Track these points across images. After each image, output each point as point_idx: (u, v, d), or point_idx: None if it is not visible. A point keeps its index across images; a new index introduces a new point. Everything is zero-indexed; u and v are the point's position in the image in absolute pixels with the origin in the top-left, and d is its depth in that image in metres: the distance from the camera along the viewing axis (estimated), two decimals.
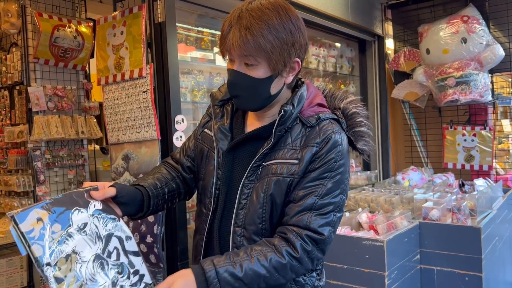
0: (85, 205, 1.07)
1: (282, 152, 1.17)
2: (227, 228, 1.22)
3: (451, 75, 3.70)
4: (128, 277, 1.08)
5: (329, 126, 1.17)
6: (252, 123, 1.27)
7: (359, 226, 2.72)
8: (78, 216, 1.04)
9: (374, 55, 4.46)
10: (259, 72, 1.12)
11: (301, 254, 1.10)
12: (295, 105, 1.18)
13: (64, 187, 3.26)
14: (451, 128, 4.10)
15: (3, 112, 3.32)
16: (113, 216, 1.11)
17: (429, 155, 4.43)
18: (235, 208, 1.19)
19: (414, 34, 4.30)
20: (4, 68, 3.28)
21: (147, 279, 1.11)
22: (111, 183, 1.18)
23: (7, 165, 3.22)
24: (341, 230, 2.57)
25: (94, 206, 1.09)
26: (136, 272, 1.10)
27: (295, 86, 1.26)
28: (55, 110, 3.18)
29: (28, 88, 3.06)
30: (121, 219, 1.13)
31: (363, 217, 2.73)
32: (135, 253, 1.12)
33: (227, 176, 1.24)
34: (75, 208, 1.04)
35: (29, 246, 0.95)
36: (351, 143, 1.25)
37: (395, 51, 4.55)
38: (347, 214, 2.77)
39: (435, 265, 2.65)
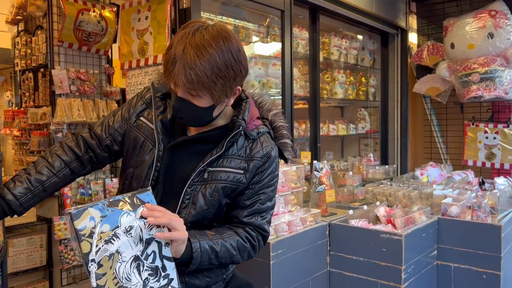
0: (134, 208, 1.13)
1: (229, 161, 1.30)
2: None
3: (476, 70, 3.63)
4: (158, 280, 1.15)
5: (268, 141, 1.35)
6: None
7: (376, 220, 2.71)
8: (127, 219, 1.11)
9: (397, 48, 4.40)
10: (202, 102, 1.20)
11: (256, 243, 1.32)
12: (246, 120, 1.31)
13: None
14: (472, 125, 4.03)
15: (27, 94, 3.37)
16: None
17: (449, 152, 4.37)
18: (178, 207, 1.29)
19: (438, 28, 4.22)
20: (29, 51, 3.32)
21: (175, 283, 1.18)
22: None
23: (29, 146, 3.28)
24: (359, 223, 2.56)
25: (142, 210, 1.15)
26: (166, 276, 1.16)
27: (239, 98, 1.35)
28: (77, 93, 3.21)
29: (52, 71, 3.09)
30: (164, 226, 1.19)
31: (381, 210, 2.71)
32: (169, 259, 1.18)
33: (166, 170, 1.32)
34: (125, 211, 1.11)
35: (79, 242, 1.02)
36: (279, 152, 1.40)
37: (418, 45, 4.48)
38: (364, 207, 2.76)
39: (453, 261, 2.63)
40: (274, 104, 1.49)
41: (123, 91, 3.53)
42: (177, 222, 1.17)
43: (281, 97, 3.14)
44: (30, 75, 3.32)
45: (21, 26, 3.50)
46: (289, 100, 3.08)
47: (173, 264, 1.18)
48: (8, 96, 4.58)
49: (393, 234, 2.32)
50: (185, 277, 1.29)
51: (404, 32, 4.38)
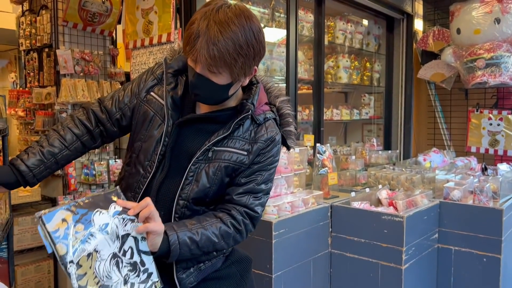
0: (106, 207, 1.14)
1: (234, 141, 1.32)
2: (167, 195, 1.33)
3: (481, 56, 3.61)
4: (138, 275, 1.16)
5: (273, 126, 1.37)
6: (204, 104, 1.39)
7: (378, 203, 2.72)
8: (100, 217, 1.11)
9: (402, 33, 4.37)
10: (221, 79, 1.22)
11: (242, 227, 1.32)
12: (255, 104, 1.33)
13: None
14: (477, 111, 4.02)
15: (31, 74, 3.38)
16: (132, 217, 1.18)
17: (452, 138, 4.36)
18: (181, 183, 1.31)
19: (444, 14, 4.19)
20: (33, 31, 3.32)
21: (154, 276, 1.19)
22: None
23: (34, 126, 3.30)
24: (360, 205, 2.57)
25: (114, 208, 1.16)
26: (145, 270, 1.18)
27: (250, 81, 1.37)
28: (82, 74, 3.21)
29: (57, 50, 3.09)
30: (139, 220, 1.19)
31: (383, 193, 2.73)
32: (147, 253, 1.19)
33: (173, 145, 1.34)
34: (97, 209, 1.12)
35: (54, 245, 1.03)
36: (282, 139, 1.42)
37: (424, 31, 4.45)
38: (367, 190, 2.77)
39: (453, 245, 2.65)
40: (281, 91, 1.51)
41: (127, 74, 3.53)
42: (154, 213, 1.18)
43: (285, 80, 3.14)
44: (35, 55, 3.32)
45: (26, 5, 3.49)
46: (294, 83, 3.08)
47: (151, 258, 1.19)
48: (12, 78, 4.59)
49: (395, 216, 2.34)
50: None
51: (410, 17, 4.35)
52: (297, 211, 2.36)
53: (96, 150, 3.38)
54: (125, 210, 1.17)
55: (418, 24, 4.51)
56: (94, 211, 1.11)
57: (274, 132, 1.35)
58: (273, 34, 3.50)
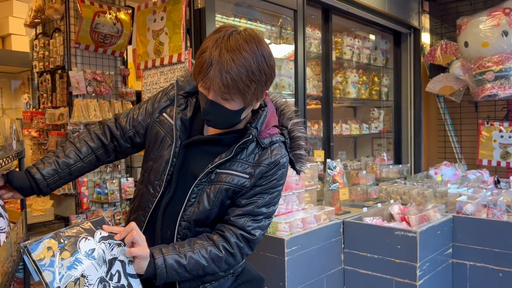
0: (92, 234, 1.17)
1: (236, 164, 1.32)
2: (172, 214, 1.35)
3: (490, 69, 3.61)
4: None
5: (279, 150, 1.35)
6: None
7: (390, 218, 2.71)
8: (86, 243, 1.14)
9: (410, 47, 4.39)
10: (234, 105, 1.22)
11: (235, 250, 1.30)
12: (259, 128, 1.34)
13: (100, 169, 3.36)
14: (487, 123, 4.00)
15: (45, 95, 3.44)
16: (119, 242, 1.21)
17: (463, 151, 4.34)
18: (184, 205, 1.32)
19: (451, 27, 4.21)
20: (47, 53, 3.39)
21: None
22: (5, 172, 1.32)
23: (47, 146, 3.35)
24: (373, 221, 2.56)
25: (100, 234, 1.19)
26: None
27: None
28: (93, 94, 3.27)
29: (69, 72, 3.16)
30: (125, 244, 1.22)
31: (395, 208, 2.71)
32: (134, 276, 1.21)
33: (180, 165, 1.36)
34: (82, 236, 1.15)
35: (40, 273, 1.04)
36: (291, 163, 1.41)
37: (431, 45, 4.47)
38: (379, 205, 2.76)
39: (468, 259, 2.61)
40: (295, 113, 1.49)
41: (138, 93, 3.59)
42: (138, 238, 1.20)
43: (294, 96, 3.16)
44: (48, 76, 3.39)
45: (39, 29, 3.58)
46: (302, 99, 3.10)
47: (138, 280, 1.21)
48: (25, 99, 4.67)
49: (408, 231, 2.32)
50: None
51: (417, 32, 4.37)
52: (309, 228, 2.36)
53: (108, 169, 3.42)
54: (111, 235, 1.20)
55: (425, 38, 4.53)
56: (80, 238, 1.13)
57: (279, 156, 1.34)
58: (281, 51, 3.54)
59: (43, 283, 1.05)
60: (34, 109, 3.95)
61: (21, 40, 4.64)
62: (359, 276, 2.51)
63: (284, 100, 1.53)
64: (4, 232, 1.30)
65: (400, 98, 4.51)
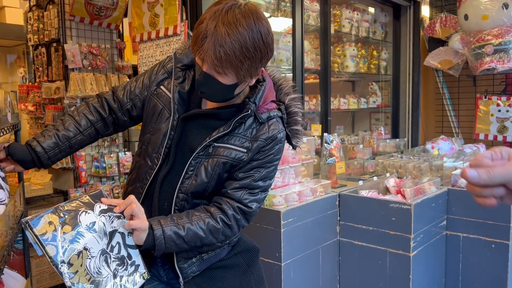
0: (91, 207, 1.19)
1: (234, 138, 1.33)
2: (170, 187, 1.36)
3: (489, 42, 3.57)
4: (126, 268, 1.21)
5: (276, 125, 1.36)
6: None
7: (386, 191, 2.73)
8: (86, 217, 1.16)
9: (409, 21, 4.33)
10: (227, 80, 1.22)
11: (232, 222, 1.33)
12: (257, 103, 1.34)
13: (97, 143, 3.37)
14: (485, 98, 3.99)
15: (40, 68, 3.42)
16: (118, 214, 1.23)
17: (460, 125, 4.34)
18: (181, 177, 1.34)
19: (451, 0, 4.14)
20: (41, 26, 3.35)
21: (141, 268, 1.25)
22: (6, 144, 1.34)
23: (44, 120, 3.35)
24: (368, 193, 2.59)
25: (100, 207, 1.20)
26: (133, 263, 1.23)
27: (257, 79, 1.36)
28: (90, 68, 3.25)
29: (65, 45, 3.13)
30: (125, 216, 1.24)
31: (391, 181, 2.74)
32: (133, 247, 1.24)
33: (178, 138, 1.37)
34: (82, 210, 1.16)
35: (43, 247, 1.07)
36: (287, 138, 1.42)
37: (431, 18, 4.41)
38: (374, 178, 2.78)
39: (462, 231, 2.66)
40: (293, 88, 1.50)
41: (134, 67, 3.56)
42: (138, 211, 1.22)
43: (291, 70, 3.14)
44: (43, 50, 3.36)
45: (33, 0, 3.52)
46: (300, 73, 3.08)
47: (137, 251, 1.25)
48: (21, 73, 4.64)
49: (403, 204, 2.35)
50: None
51: (416, 4, 4.31)
52: (305, 200, 2.38)
53: (106, 143, 3.42)
54: (110, 208, 1.22)
55: (425, 11, 4.46)
56: (80, 212, 1.15)
57: (276, 130, 1.35)
58: (279, 24, 3.50)
59: (47, 257, 1.07)
60: (30, 83, 3.92)
61: (15, 13, 4.57)
62: (354, 247, 2.55)
63: (282, 75, 1.52)
64: (3, 204, 1.32)
65: (399, 72, 4.48)
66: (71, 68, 3.16)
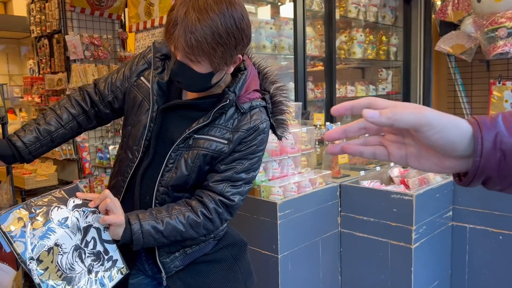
0: (64, 202, 1.16)
1: (215, 130, 1.29)
2: (150, 180, 1.34)
3: (503, 25, 3.42)
4: (103, 264, 1.19)
5: (259, 115, 1.32)
6: None
7: (390, 181, 2.66)
8: (58, 212, 1.13)
9: (420, 4, 4.19)
10: (201, 68, 1.18)
11: (213, 216, 1.30)
12: (237, 93, 1.29)
13: (101, 134, 3.38)
14: (499, 83, 3.84)
15: (43, 60, 3.43)
16: (93, 209, 1.20)
17: (473, 112, 4.20)
18: (161, 170, 1.31)
19: None
20: (43, 17, 3.35)
21: (120, 263, 1.23)
22: None
23: None
24: (370, 184, 2.52)
25: (74, 202, 1.18)
26: (110, 258, 1.21)
27: (238, 68, 1.33)
28: (91, 58, 3.24)
29: (66, 36, 3.12)
30: (100, 212, 1.22)
31: (395, 171, 2.66)
32: (110, 242, 1.22)
33: (158, 130, 1.34)
34: (54, 205, 1.13)
35: (11, 244, 1.05)
36: (272, 128, 1.38)
37: (443, 1, 4.25)
38: (378, 168, 2.71)
39: (468, 222, 2.57)
40: (277, 76, 1.46)
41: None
42: (113, 205, 1.20)
43: (293, 57, 3.07)
44: (46, 41, 3.37)
45: None
46: (302, 60, 3.01)
47: (114, 246, 1.22)
48: (30, 65, 4.67)
49: (404, 195, 2.28)
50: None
51: None
52: (304, 191, 2.33)
53: (110, 134, 3.43)
54: (85, 203, 1.20)
55: None
56: (52, 207, 1.13)
57: (258, 121, 1.31)
58: (282, 11, 3.42)
59: (15, 254, 1.05)
60: (36, 75, 3.95)
61: (22, 5, 4.59)
62: (355, 239, 2.50)
63: (263, 62, 1.47)
64: None
65: (410, 58, 4.35)
66: (73, 60, 3.16)
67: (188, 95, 1.36)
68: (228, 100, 1.27)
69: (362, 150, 0.56)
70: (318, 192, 2.40)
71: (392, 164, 2.76)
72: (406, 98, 4.39)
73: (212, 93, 1.32)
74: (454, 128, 0.53)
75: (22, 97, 4.45)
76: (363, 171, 2.63)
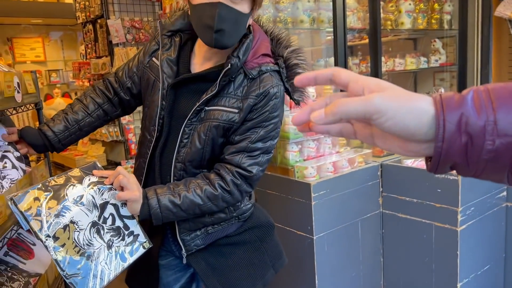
0: (80, 180, 1.18)
1: (224, 99, 1.27)
2: (168, 158, 1.34)
3: None
4: (123, 239, 1.20)
5: (269, 79, 1.27)
6: (198, 62, 1.35)
7: None
8: (73, 190, 1.16)
9: None
10: (244, 6, 1.20)
11: (231, 187, 1.28)
12: (241, 57, 1.25)
13: None
14: None
15: (89, 45, 3.54)
16: (109, 186, 1.21)
17: None
18: (176, 146, 1.31)
19: None
20: (87, 3, 3.44)
21: (141, 238, 1.24)
22: (20, 128, 1.40)
23: None
24: (414, 163, 2.39)
25: (89, 180, 1.19)
26: (131, 233, 1.22)
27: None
28: (133, 42, 3.30)
29: (108, 21, 3.19)
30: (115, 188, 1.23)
31: None
32: (129, 217, 1.23)
33: (170, 107, 1.34)
34: (70, 184, 1.16)
35: (28, 222, 1.08)
36: (288, 92, 1.34)
37: None
38: None
39: None
40: (292, 39, 1.40)
41: None
42: (127, 182, 1.20)
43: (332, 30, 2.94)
44: (90, 27, 3.47)
45: None
46: (342, 33, 2.87)
47: (134, 221, 1.23)
48: (82, 50, 4.86)
49: (449, 174, 2.13)
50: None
51: None
52: (341, 171, 2.25)
53: None
54: (102, 180, 1.21)
55: None
56: (68, 186, 1.15)
57: (268, 85, 1.27)
58: None
59: (32, 232, 1.10)
60: (82, 60, 4.10)
61: None
62: (398, 220, 2.39)
63: (283, 30, 1.43)
64: (14, 184, 1.38)
65: (466, 25, 4.02)
66: (115, 43, 3.24)
67: (196, 69, 1.34)
68: (230, 64, 1.24)
69: (329, 128, 0.52)
70: (357, 172, 2.31)
71: None
72: (462, 69, 4.09)
73: (218, 63, 1.32)
74: (408, 113, 0.46)
75: (74, 82, 4.66)
76: None
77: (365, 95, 0.48)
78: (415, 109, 0.46)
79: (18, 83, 1.45)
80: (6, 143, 1.41)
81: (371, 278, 2.47)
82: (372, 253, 2.45)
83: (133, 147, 3.38)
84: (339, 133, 0.53)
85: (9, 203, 1.10)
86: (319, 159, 2.30)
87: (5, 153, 1.39)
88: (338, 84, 0.51)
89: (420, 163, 2.39)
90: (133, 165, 1.37)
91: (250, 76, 1.28)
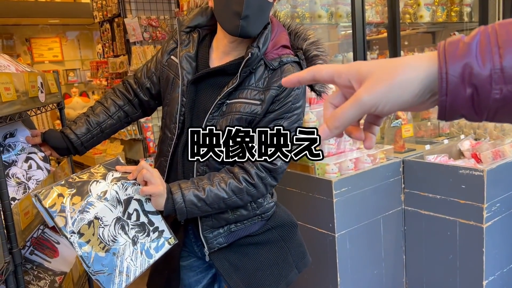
0: (103, 176, 1.17)
1: (246, 92, 1.26)
2: None
3: None
4: (148, 235, 1.18)
5: (290, 70, 1.26)
6: (217, 57, 1.34)
7: (459, 155, 2.46)
8: (97, 186, 1.15)
9: None
10: None
11: (256, 180, 1.26)
12: (261, 47, 1.24)
13: None
14: None
15: (107, 44, 3.56)
16: (133, 181, 1.20)
17: None
18: None
19: None
20: (104, 2, 3.46)
21: (167, 234, 1.22)
22: (44, 131, 1.40)
23: None
24: (437, 159, 2.35)
25: (113, 175, 1.18)
26: (156, 229, 1.20)
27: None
28: (150, 40, 3.30)
29: (125, 19, 3.20)
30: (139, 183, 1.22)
31: (466, 144, 2.45)
32: (154, 213, 1.21)
33: (191, 104, 1.32)
34: (93, 180, 1.15)
35: (52, 219, 1.07)
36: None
37: None
38: (445, 141, 2.51)
39: None
40: (310, 32, 1.39)
41: None
42: (150, 176, 1.18)
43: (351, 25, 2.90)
44: (108, 26, 3.48)
45: None
46: (361, 28, 2.83)
47: (159, 216, 1.21)
48: (99, 49, 4.89)
49: (473, 170, 2.09)
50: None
51: None
52: (362, 168, 2.22)
53: None
54: (125, 176, 1.20)
55: None
56: (91, 182, 1.15)
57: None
58: None
59: (57, 228, 1.09)
60: (99, 59, 4.13)
61: None
62: (420, 217, 2.35)
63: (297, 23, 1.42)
64: (40, 184, 1.38)
65: (487, 17, 3.93)
66: (133, 42, 3.24)
67: (216, 64, 1.34)
68: (250, 54, 1.23)
69: (348, 133, 0.55)
70: (379, 168, 2.28)
71: (462, 136, 2.54)
72: None
73: (239, 55, 1.31)
74: (398, 89, 0.46)
75: (91, 81, 4.69)
76: (428, 145, 2.45)
77: (354, 87, 0.48)
78: (403, 82, 0.46)
79: (41, 83, 1.46)
80: (30, 145, 1.41)
81: (393, 276, 2.44)
82: (394, 251, 2.42)
83: (151, 145, 3.39)
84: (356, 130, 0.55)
85: (34, 199, 1.10)
86: (339, 155, 2.28)
87: (30, 155, 1.40)
88: (324, 81, 0.51)
89: (443, 159, 2.35)
90: (152, 164, 1.37)
91: (271, 67, 1.26)
